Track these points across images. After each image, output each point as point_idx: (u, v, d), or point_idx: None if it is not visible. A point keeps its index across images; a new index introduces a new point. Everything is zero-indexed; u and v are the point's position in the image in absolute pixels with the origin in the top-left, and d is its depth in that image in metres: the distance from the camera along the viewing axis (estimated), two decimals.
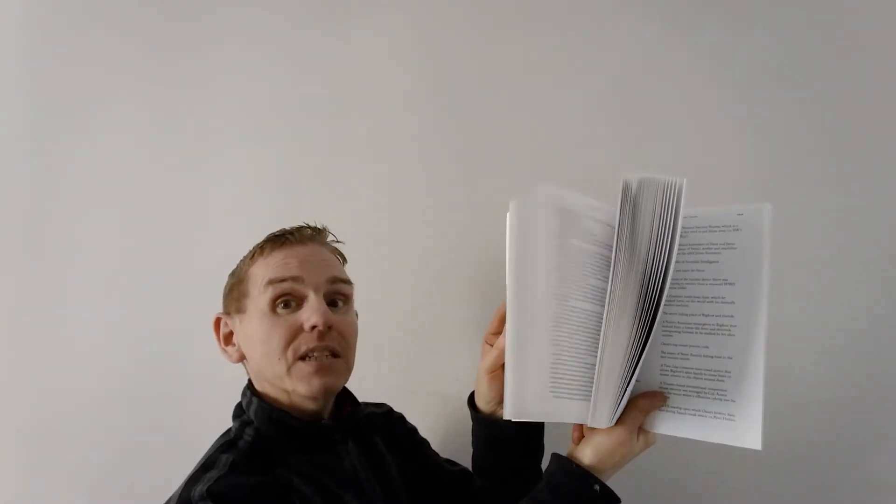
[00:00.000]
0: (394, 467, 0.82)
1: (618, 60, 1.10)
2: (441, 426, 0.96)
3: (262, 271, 0.76)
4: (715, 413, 0.65)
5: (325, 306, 0.75)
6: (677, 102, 1.08)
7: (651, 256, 0.64)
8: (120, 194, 1.09)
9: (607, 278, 0.65)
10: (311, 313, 0.73)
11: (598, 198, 0.68)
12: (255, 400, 0.76)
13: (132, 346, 1.06)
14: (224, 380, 0.81)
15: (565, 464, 0.68)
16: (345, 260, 0.85)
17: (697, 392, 0.66)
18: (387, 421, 0.90)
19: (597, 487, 0.65)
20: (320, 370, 0.73)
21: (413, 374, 1.06)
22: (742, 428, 0.63)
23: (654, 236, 0.64)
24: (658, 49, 1.09)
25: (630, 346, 0.64)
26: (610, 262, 0.65)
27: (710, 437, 0.65)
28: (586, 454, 0.67)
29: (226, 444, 0.74)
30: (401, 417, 0.93)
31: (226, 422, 0.79)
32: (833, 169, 1.06)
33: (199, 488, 0.64)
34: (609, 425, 0.66)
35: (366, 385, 0.87)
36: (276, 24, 1.12)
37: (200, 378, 1.01)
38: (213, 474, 0.67)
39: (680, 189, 0.63)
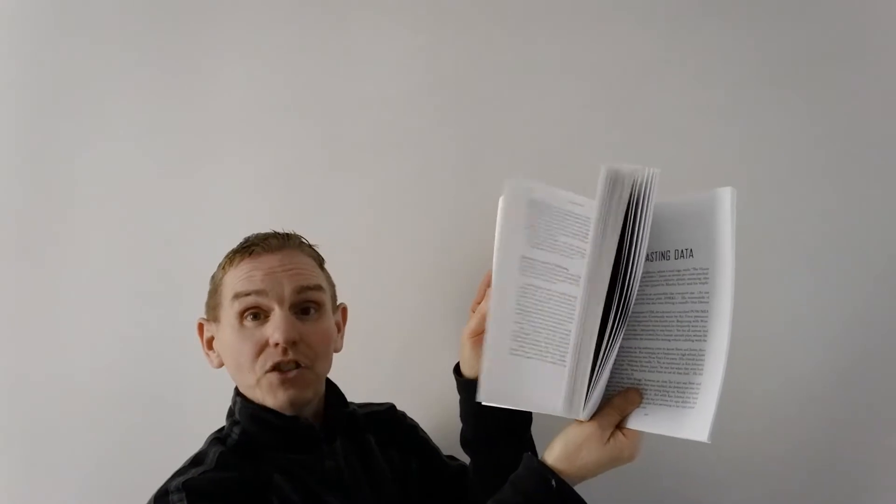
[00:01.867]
0: (386, 465, 0.82)
1: (616, 61, 1.09)
2: (432, 424, 0.96)
3: (231, 283, 0.77)
4: (682, 405, 0.62)
5: (290, 321, 0.74)
6: (675, 102, 1.08)
7: (626, 244, 0.61)
8: (115, 195, 1.09)
9: (580, 266, 0.63)
10: (274, 330, 0.73)
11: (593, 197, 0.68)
12: (238, 400, 0.78)
13: (129, 346, 1.06)
14: (220, 381, 0.81)
15: (528, 459, 0.67)
16: (322, 260, 0.84)
17: (666, 386, 0.64)
18: (386, 419, 0.91)
19: (553, 483, 0.63)
20: (285, 382, 0.74)
21: (403, 373, 1.06)
22: (698, 420, 0.60)
23: (628, 225, 0.61)
24: (657, 49, 1.09)
25: (606, 333, 0.61)
26: (584, 252, 0.64)
27: (677, 433, 0.61)
28: (553, 450, 0.66)
29: (216, 440, 0.76)
30: (402, 414, 0.94)
31: (221, 423, 0.80)
32: (830, 168, 1.06)
33: (179, 480, 0.67)
34: (585, 418, 0.63)
35: (357, 384, 0.87)
36: (274, 23, 1.12)
37: (196, 379, 1.01)
38: (199, 469, 0.70)
39: (652, 178, 0.62)
